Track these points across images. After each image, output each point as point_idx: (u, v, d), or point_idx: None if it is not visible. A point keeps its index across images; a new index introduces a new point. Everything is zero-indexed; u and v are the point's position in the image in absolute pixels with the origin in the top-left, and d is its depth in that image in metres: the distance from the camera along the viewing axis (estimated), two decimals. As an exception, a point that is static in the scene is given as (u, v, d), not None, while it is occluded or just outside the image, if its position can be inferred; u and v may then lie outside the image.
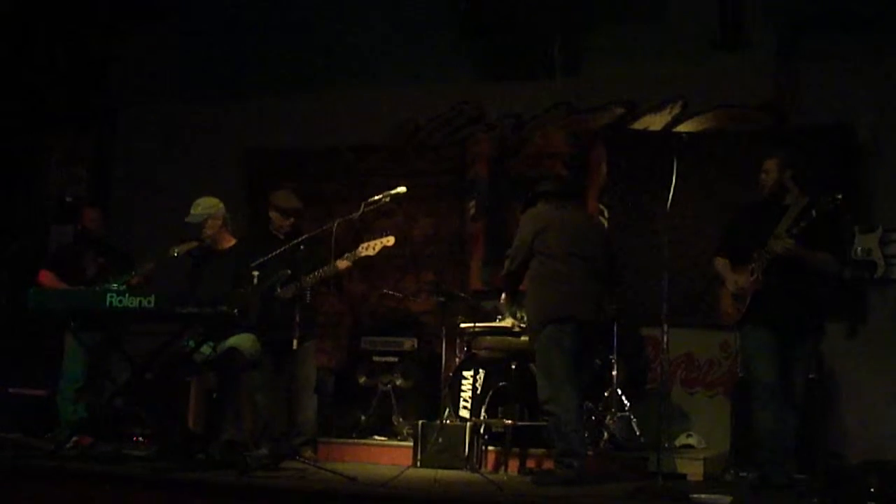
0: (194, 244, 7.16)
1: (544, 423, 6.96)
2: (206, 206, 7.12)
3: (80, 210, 8.53)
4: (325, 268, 6.90)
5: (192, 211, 7.12)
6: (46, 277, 7.87)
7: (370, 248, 6.91)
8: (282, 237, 7.20)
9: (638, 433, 7.42)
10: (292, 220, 7.33)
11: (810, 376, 6.51)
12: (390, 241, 6.97)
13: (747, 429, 7.07)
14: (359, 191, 7.93)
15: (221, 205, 7.20)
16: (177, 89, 10.06)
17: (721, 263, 6.43)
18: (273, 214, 7.38)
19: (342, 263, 6.93)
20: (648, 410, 7.61)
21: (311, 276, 6.85)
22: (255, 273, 6.43)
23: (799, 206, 6.13)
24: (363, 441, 7.92)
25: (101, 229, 8.23)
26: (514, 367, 7.21)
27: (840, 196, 6.01)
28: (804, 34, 8.28)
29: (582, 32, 9.08)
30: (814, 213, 5.97)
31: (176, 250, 7.16)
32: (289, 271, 6.82)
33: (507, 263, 6.58)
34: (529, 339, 6.63)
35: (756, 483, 6.22)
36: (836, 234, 6.26)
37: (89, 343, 7.23)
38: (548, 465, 6.72)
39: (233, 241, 7.23)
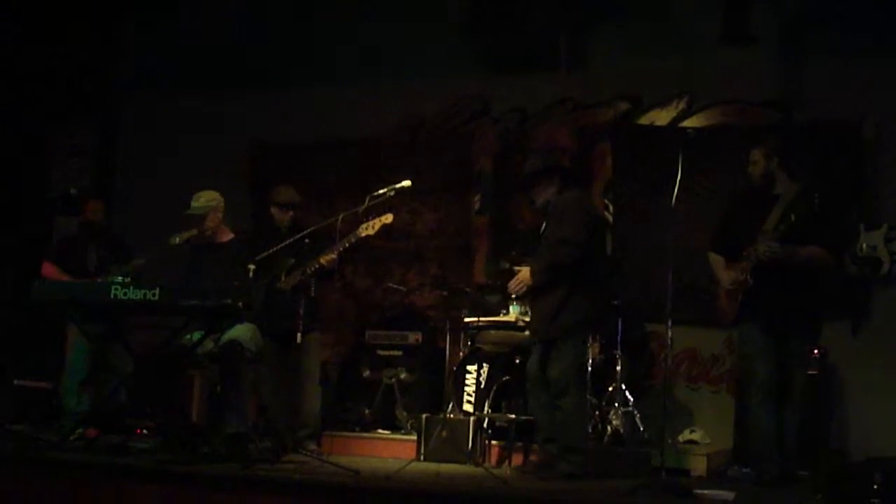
0: (194, 232, 7.17)
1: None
2: (209, 199, 7.13)
3: (83, 202, 8.53)
4: (316, 262, 6.87)
5: (193, 203, 7.12)
6: (49, 269, 7.88)
7: (370, 227, 6.86)
8: (284, 231, 7.21)
9: (642, 429, 7.42)
10: (291, 213, 7.34)
11: (811, 372, 6.46)
12: (388, 218, 6.90)
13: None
14: (364, 184, 7.92)
15: (221, 198, 7.21)
16: (181, 82, 10.06)
17: (714, 260, 6.41)
18: (273, 209, 7.40)
19: (327, 258, 6.90)
20: (652, 406, 7.62)
21: (310, 266, 6.84)
22: (251, 267, 6.43)
23: (789, 196, 6.08)
24: (367, 434, 7.93)
25: (103, 221, 8.23)
26: (517, 361, 7.22)
27: (817, 196, 5.95)
28: (810, 30, 8.27)
29: (587, 27, 9.07)
30: (793, 217, 5.92)
31: (176, 238, 7.17)
32: (293, 260, 6.83)
33: (566, 250, 6.20)
34: (555, 334, 6.34)
35: (751, 479, 6.22)
36: (827, 226, 6.12)
37: (93, 335, 7.24)
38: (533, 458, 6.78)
39: (231, 235, 7.25)
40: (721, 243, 6.40)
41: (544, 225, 6.54)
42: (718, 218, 6.66)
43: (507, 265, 6.67)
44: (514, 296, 6.92)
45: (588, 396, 7.40)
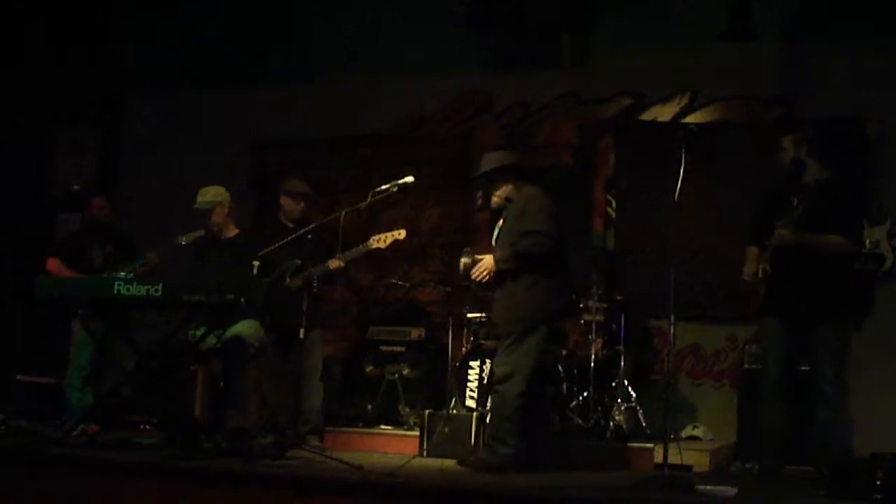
0: (201, 232, 7.18)
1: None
2: (215, 194, 7.13)
3: (86, 198, 8.53)
4: (319, 266, 6.88)
5: (199, 198, 7.12)
6: (54, 265, 7.88)
7: (381, 240, 6.90)
8: (291, 225, 7.22)
9: (644, 424, 7.43)
10: (303, 205, 7.36)
11: (803, 368, 6.35)
12: (402, 234, 6.95)
13: (753, 420, 7.09)
14: (366, 180, 7.93)
15: (227, 193, 7.22)
16: (183, 79, 10.05)
17: (750, 252, 6.33)
18: (284, 200, 7.40)
19: (334, 263, 6.91)
20: (655, 401, 7.61)
21: (315, 269, 6.85)
22: (256, 263, 6.44)
23: (819, 182, 6.05)
24: (369, 430, 7.94)
25: (107, 218, 8.22)
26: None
27: (822, 187, 5.92)
28: (813, 26, 8.25)
29: (590, 22, 9.07)
30: (799, 206, 5.89)
31: (183, 238, 7.17)
32: (298, 261, 6.83)
33: (537, 240, 6.21)
34: (516, 328, 6.34)
35: (756, 473, 6.22)
36: (845, 214, 6.08)
37: (97, 331, 7.24)
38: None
39: (236, 231, 7.25)
40: (755, 234, 6.32)
41: (501, 221, 6.54)
42: (754, 209, 6.61)
43: (469, 260, 6.59)
44: (478, 282, 6.62)
45: (590, 391, 7.43)
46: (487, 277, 6.42)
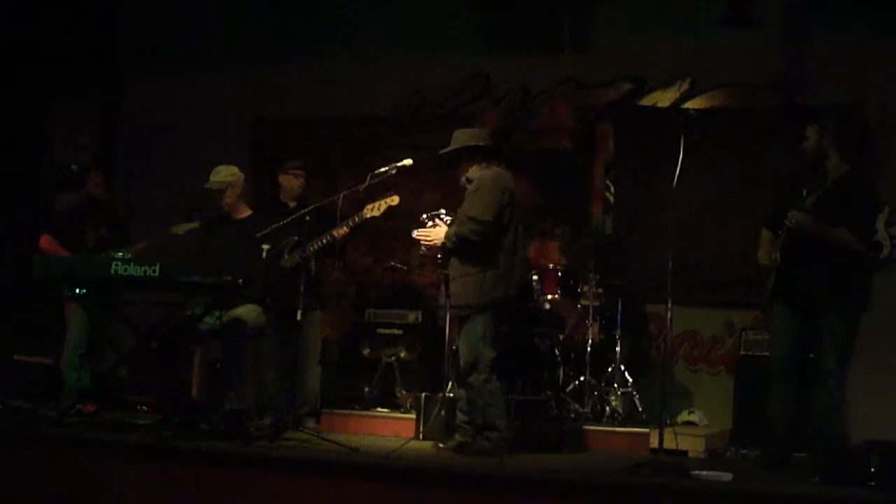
0: (195, 225, 7.15)
1: (546, 398, 7.00)
2: (228, 174, 7.09)
3: (83, 175, 8.50)
4: (324, 237, 6.88)
5: (212, 178, 7.08)
6: (46, 241, 7.79)
7: (375, 208, 6.89)
8: (292, 204, 7.23)
9: (640, 409, 7.45)
10: (302, 180, 7.38)
11: (811, 355, 6.38)
12: (395, 200, 6.92)
13: (749, 406, 7.11)
14: (365, 163, 7.91)
15: (241, 174, 7.18)
16: (183, 57, 10.02)
17: (763, 237, 6.34)
18: (284, 178, 7.41)
19: (339, 231, 6.90)
20: (651, 387, 7.63)
21: (313, 244, 6.85)
22: (265, 247, 6.43)
23: (835, 175, 6.06)
24: (366, 413, 7.95)
25: (104, 194, 8.16)
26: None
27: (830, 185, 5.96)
28: (813, 11, 8.23)
29: (591, 6, 9.04)
30: (811, 197, 5.89)
31: (178, 230, 7.14)
32: (296, 238, 6.83)
33: (473, 227, 6.19)
34: (462, 311, 6.34)
35: (755, 460, 6.23)
36: (857, 211, 6.05)
37: (94, 311, 7.23)
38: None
39: (248, 212, 7.22)
40: (771, 219, 6.31)
41: None
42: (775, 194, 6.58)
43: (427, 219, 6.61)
44: (423, 248, 6.66)
45: (587, 375, 7.45)
46: (429, 244, 6.45)
